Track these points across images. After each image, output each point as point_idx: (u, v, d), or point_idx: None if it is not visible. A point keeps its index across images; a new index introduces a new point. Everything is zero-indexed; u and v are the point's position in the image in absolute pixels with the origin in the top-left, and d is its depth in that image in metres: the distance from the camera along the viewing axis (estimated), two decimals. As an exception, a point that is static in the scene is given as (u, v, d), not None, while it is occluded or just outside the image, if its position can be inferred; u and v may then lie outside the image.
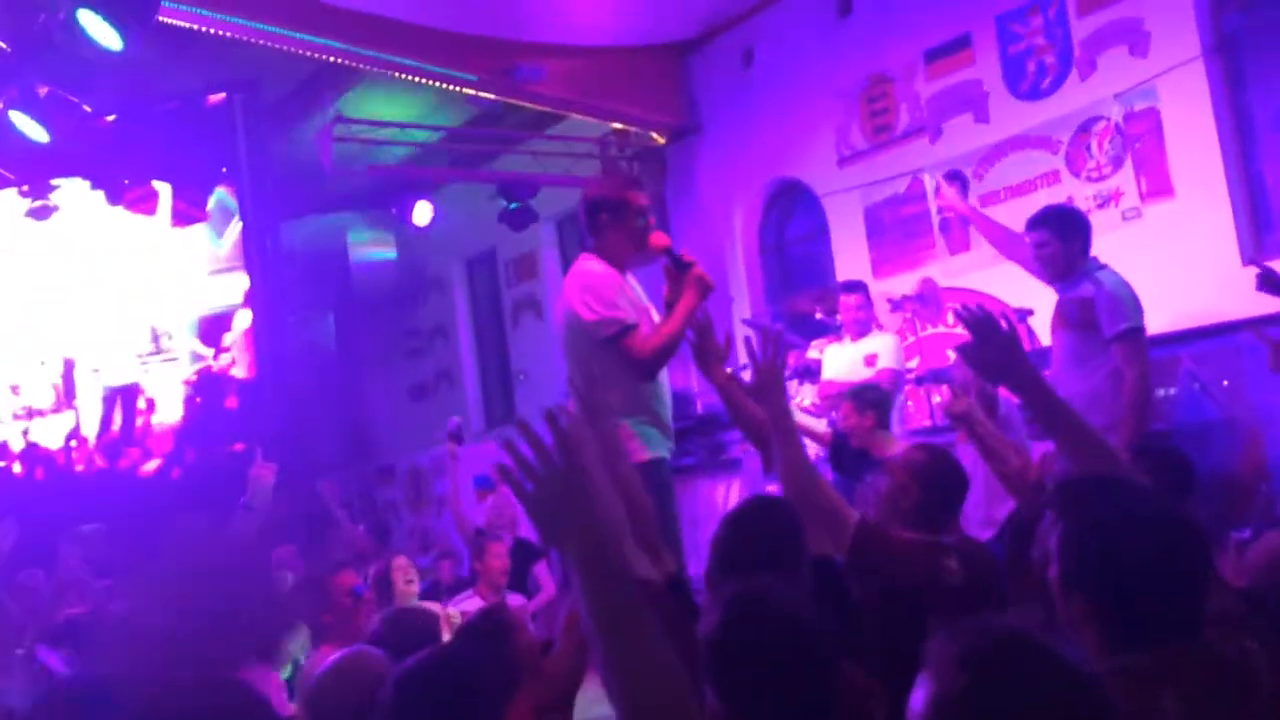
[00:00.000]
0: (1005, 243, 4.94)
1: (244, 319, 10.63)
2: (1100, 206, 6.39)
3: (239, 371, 10.73)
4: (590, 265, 3.70)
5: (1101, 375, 4.21)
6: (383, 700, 1.88)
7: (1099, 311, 4.22)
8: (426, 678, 1.89)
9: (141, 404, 10.92)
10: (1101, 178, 6.46)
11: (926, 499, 3.02)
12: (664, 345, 3.55)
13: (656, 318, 3.71)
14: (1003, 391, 4.99)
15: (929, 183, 5.13)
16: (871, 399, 5.10)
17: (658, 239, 3.78)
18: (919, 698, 1.23)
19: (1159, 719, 1.40)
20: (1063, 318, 4.40)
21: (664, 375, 3.74)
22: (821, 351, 6.41)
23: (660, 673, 1.33)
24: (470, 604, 5.10)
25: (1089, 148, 6.49)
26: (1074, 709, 1.18)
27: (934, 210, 7.36)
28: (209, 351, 10.97)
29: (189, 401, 10.96)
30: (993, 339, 2.27)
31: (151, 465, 10.38)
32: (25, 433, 10.60)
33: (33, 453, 10.29)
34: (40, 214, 9.77)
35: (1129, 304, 4.24)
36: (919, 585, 2.74)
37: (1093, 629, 1.54)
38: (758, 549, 2.41)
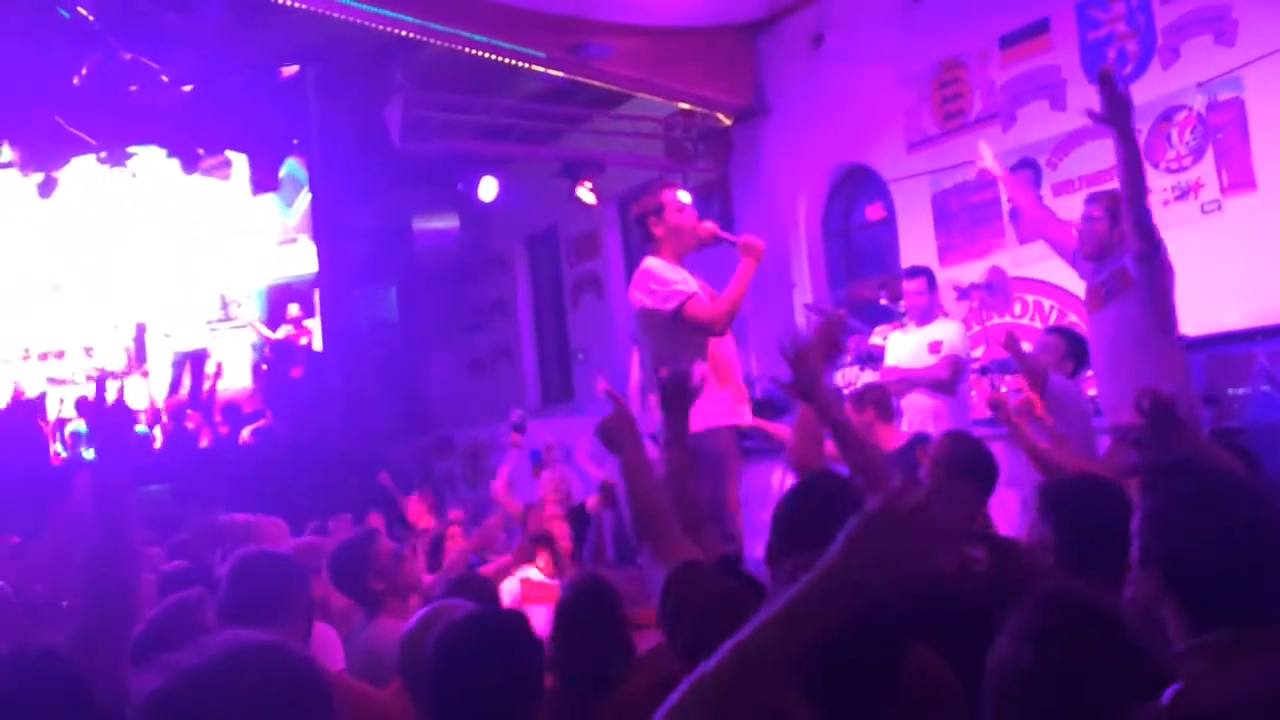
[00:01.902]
0: (1038, 221, 5.11)
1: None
2: (1179, 198, 6.24)
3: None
4: (647, 262, 4.16)
5: (1156, 333, 4.16)
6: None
7: (1129, 260, 4.16)
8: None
9: (210, 369, 11.17)
10: (1181, 169, 6.30)
11: (951, 485, 3.01)
12: (729, 305, 3.98)
13: None
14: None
15: (985, 151, 5.03)
16: (872, 397, 5.06)
17: (705, 228, 4.22)
18: (992, 661, 1.23)
19: (1240, 696, 1.38)
20: (1106, 294, 4.33)
21: (730, 348, 4.12)
22: (885, 338, 6.34)
23: None
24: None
25: (1169, 138, 6.34)
26: (1137, 686, 1.17)
27: (1004, 199, 7.24)
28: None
29: (256, 368, 11.18)
30: None
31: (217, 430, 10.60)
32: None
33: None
34: (44, 190, 10.00)
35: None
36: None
37: (1171, 607, 1.53)
38: (821, 525, 2.39)
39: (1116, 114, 3.85)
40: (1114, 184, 4.37)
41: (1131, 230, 4.06)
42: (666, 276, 4.02)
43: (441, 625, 1.97)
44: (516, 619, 2.01)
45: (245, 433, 10.46)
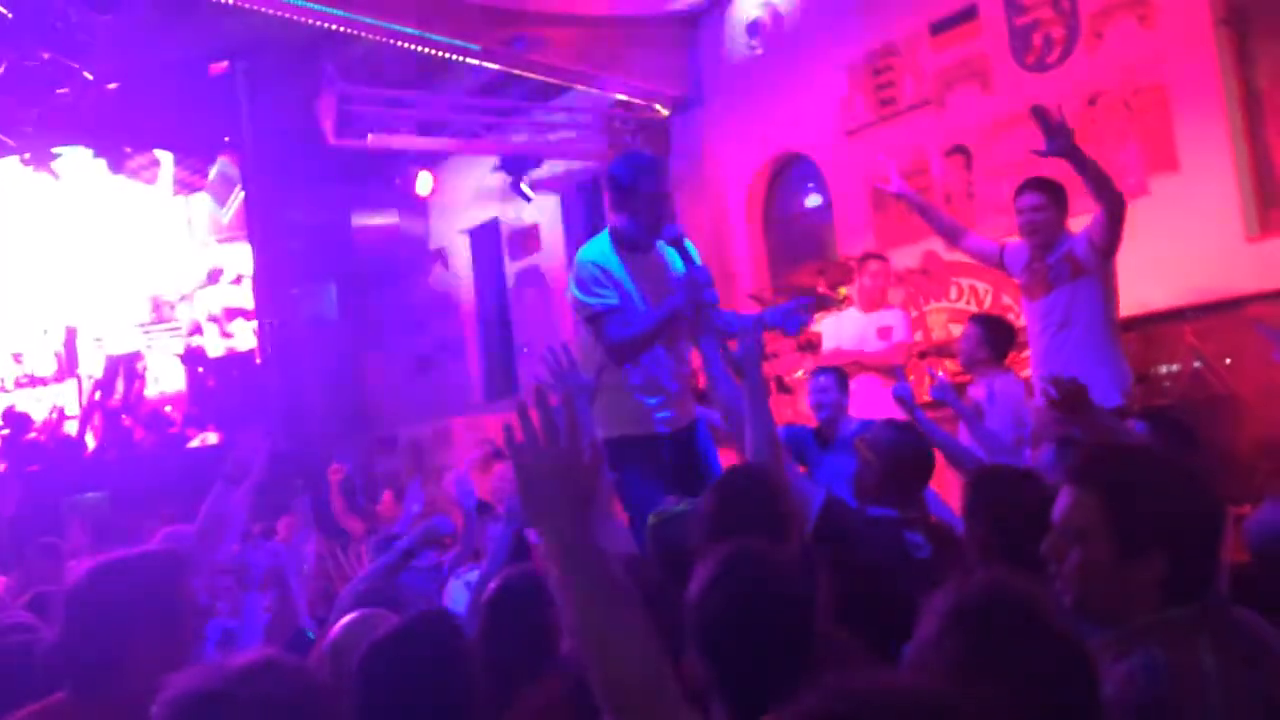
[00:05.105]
0: (950, 231, 5.00)
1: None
2: (1105, 181, 6.35)
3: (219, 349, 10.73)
4: (583, 254, 3.76)
5: (1102, 318, 4.25)
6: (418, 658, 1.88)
7: (1080, 247, 4.24)
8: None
9: (140, 368, 10.95)
10: (1107, 151, 6.41)
11: (889, 474, 3.03)
12: (634, 340, 3.62)
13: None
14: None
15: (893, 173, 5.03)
16: (845, 379, 5.12)
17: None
18: (910, 646, 1.25)
19: (1200, 676, 1.43)
20: (1051, 279, 4.38)
21: (661, 353, 3.76)
22: (820, 323, 6.41)
23: (638, 649, 1.35)
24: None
25: (1095, 120, 6.44)
26: (1049, 666, 1.19)
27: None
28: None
29: (191, 372, 10.98)
30: None
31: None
32: None
33: (13, 416, 10.28)
34: None
35: None
36: (887, 560, 2.74)
37: (1149, 587, 1.56)
38: (745, 517, 2.37)
39: (1061, 145, 3.94)
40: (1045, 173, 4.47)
41: (1110, 231, 4.15)
42: (592, 283, 3.67)
43: (364, 640, 1.94)
44: (441, 631, 1.98)
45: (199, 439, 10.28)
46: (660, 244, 3.74)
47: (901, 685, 0.99)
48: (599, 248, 3.76)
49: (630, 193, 3.70)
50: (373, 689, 1.85)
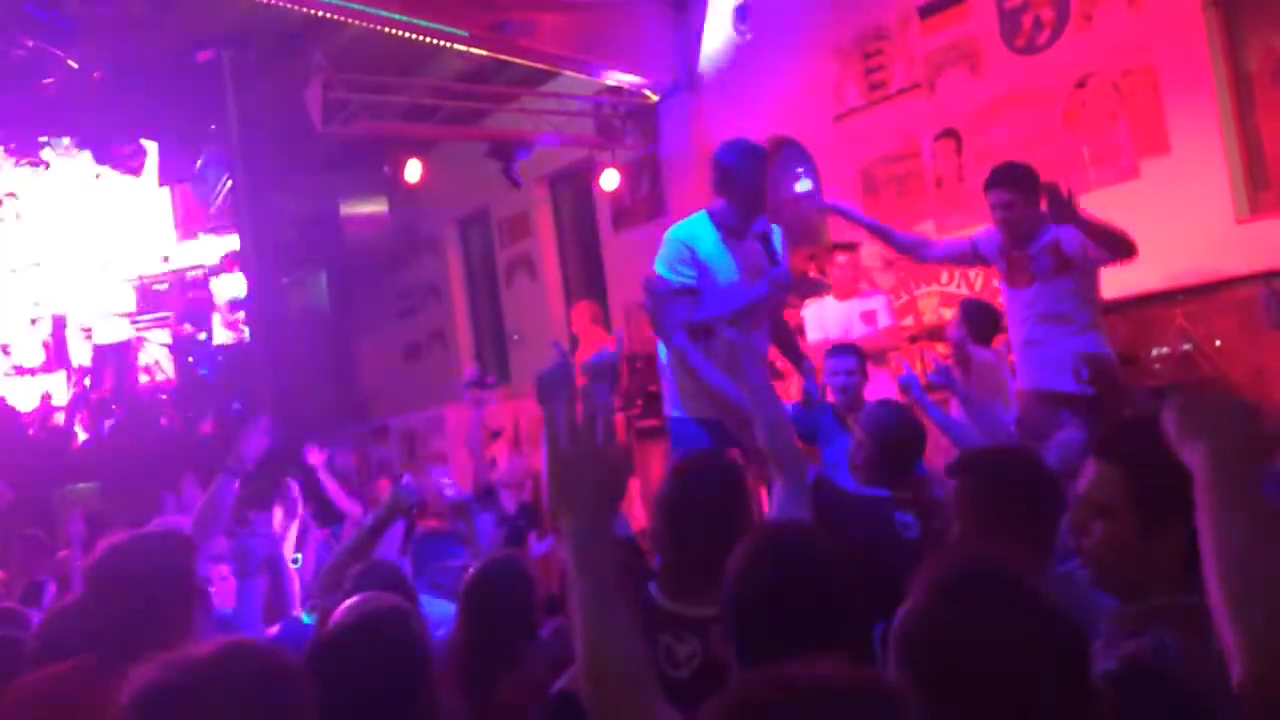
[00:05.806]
0: (911, 248, 5.02)
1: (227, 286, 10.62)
2: (1096, 163, 6.36)
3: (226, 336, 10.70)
4: (675, 232, 3.91)
5: (1086, 311, 4.27)
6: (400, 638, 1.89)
7: (1071, 245, 4.24)
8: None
9: (129, 358, 10.92)
10: (1097, 134, 6.42)
11: (881, 453, 3.05)
12: (700, 322, 3.61)
13: None
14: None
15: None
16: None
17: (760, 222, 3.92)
18: (898, 613, 1.26)
19: (1208, 667, 1.43)
20: (1035, 270, 4.37)
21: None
22: (804, 309, 6.45)
23: (624, 648, 1.37)
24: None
25: (1085, 103, 6.45)
26: (1031, 640, 1.20)
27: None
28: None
29: (180, 361, 10.95)
30: None
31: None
32: None
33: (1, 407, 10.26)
34: None
35: None
36: (876, 539, 2.75)
37: (1172, 562, 1.56)
38: (706, 506, 2.32)
39: (1066, 214, 4.00)
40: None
41: (1109, 261, 4.19)
42: (677, 260, 3.80)
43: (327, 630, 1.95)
44: (394, 623, 1.99)
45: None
46: (753, 234, 3.86)
47: (832, 674, 1.00)
48: (693, 227, 3.91)
49: (732, 177, 3.89)
50: (322, 686, 1.86)
